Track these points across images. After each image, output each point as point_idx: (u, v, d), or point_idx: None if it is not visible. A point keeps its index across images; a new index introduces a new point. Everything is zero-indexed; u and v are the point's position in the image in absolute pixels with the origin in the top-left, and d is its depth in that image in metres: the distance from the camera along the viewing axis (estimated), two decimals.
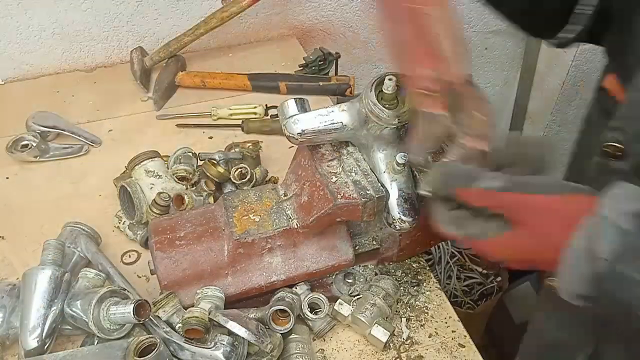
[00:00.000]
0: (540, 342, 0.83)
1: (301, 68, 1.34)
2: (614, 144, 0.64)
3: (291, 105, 0.74)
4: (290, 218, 0.78)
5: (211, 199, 0.93)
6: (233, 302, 0.77)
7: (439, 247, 1.78)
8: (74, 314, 0.74)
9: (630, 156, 0.62)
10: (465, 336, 0.81)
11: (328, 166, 0.76)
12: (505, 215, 0.56)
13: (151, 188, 0.91)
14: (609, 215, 0.48)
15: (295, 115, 0.73)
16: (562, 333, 0.77)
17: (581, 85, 1.81)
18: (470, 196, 0.58)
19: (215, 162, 0.97)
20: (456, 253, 1.83)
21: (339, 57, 1.38)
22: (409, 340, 0.80)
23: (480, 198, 0.57)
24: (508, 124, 2.08)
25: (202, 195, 0.92)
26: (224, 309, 0.74)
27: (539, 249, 0.55)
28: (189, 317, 0.70)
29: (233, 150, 1.03)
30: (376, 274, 0.85)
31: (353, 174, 0.75)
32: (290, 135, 0.73)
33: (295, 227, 0.77)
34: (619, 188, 0.51)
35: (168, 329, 0.71)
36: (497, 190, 0.56)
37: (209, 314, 0.70)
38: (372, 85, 0.70)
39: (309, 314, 0.78)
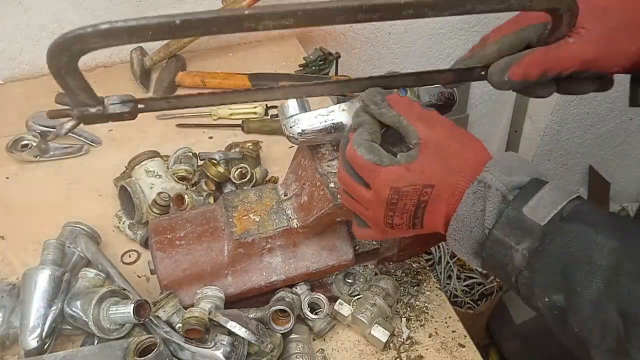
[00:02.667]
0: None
1: (301, 68, 1.34)
2: None
3: (291, 105, 0.74)
4: (291, 218, 0.78)
5: (211, 199, 0.93)
6: (233, 302, 0.77)
7: (439, 247, 1.78)
8: (73, 313, 0.74)
9: None
10: (465, 336, 0.81)
11: (328, 166, 0.76)
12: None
13: (151, 188, 0.91)
14: (500, 187, 0.53)
15: (296, 115, 0.73)
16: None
17: None
18: (347, 148, 0.61)
19: (215, 162, 0.97)
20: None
21: (339, 57, 1.38)
22: (409, 340, 0.80)
23: (349, 153, 0.60)
24: (508, 124, 2.08)
25: (202, 195, 0.92)
26: (224, 308, 0.74)
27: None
28: (189, 317, 0.70)
29: (233, 150, 1.03)
30: (376, 274, 0.85)
31: None
32: (291, 135, 0.73)
33: (296, 227, 0.77)
34: (503, 158, 0.56)
35: (168, 328, 0.71)
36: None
37: (209, 314, 0.70)
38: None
39: (309, 314, 0.78)
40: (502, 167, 0.55)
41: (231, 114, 1.20)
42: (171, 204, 0.88)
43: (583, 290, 0.48)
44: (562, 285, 0.49)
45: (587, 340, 0.49)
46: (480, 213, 0.54)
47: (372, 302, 0.78)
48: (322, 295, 0.80)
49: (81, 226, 0.87)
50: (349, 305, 0.79)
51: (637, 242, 0.49)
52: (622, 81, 0.75)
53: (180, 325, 0.72)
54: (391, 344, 0.80)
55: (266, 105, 1.22)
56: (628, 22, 0.62)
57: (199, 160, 1.01)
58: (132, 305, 0.70)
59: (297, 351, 0.75)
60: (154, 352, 0.66)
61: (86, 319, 0.72)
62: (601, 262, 0.48)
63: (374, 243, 0.84)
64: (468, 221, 0.55)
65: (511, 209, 0.52)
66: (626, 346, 0.46)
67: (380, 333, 0.77)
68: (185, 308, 0.73)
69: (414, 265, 0.89)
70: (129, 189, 0.90)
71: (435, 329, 0.82)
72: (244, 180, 0.95)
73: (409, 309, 0.84)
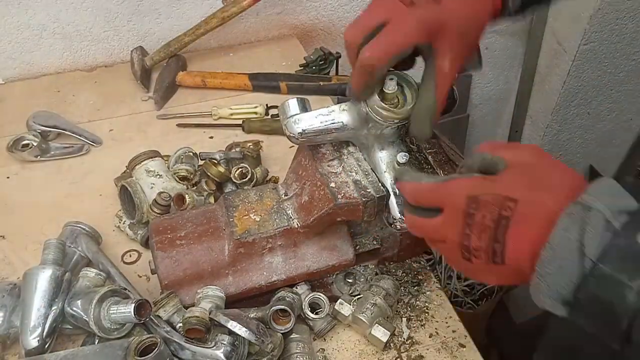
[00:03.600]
0: (556, 347, 0.82)
1: (302, 68, 1.34)
2: None
3: (292, 105, 0.74)
4: (291, 218, 0.78)
5: (212, 199, 0.93)
6: (234, 302, 0.77)
7: None
8: (74, 313, 0.74)
9: None
10: (466, 336, 0.81)
11: (329, 166, 0.76)
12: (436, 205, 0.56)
13: (152, 188, 0.91)
14: (602, 209, 0.45)
15: (296, 115, 0.73)
16: (581, 339, 0.74)
17: (582, 85, 1.81)
18: (401, 189, 0.59)
19: (215, 161, 0.97)
20: None
21: (340, 56, 1.38)
22: (410, 340, 0.80)
23: (408, 195, 0.58)
24: (509, 124, 2.08)
25: (202, 195, 0.92)
26: (225, 308, 0.74)
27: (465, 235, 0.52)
28: (189, 317, 0.70)
29: (234, 150, 1.03)
30: (377, 274, 0.85)
31: (354, 173, 0.75)
32: (291, 135, 0.73)
33: (296, 226, 0.77)
34: (604, 183, 0.48)
35: (168, 328, 0.71)
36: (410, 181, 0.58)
37: (210, 314, 0.70)
38: None
39: (309, 313, 0.78)
40: (603, 189, 0.47)
41: (232, 114, 1.20)
42: (172, 204, 0.88)
43: None
44: None
45: None
46: (577, 242, 0.45)
47: (372, 302, 0.78)
48: (323, 295, 0.80)
49: (82, 226, 0.88)
50: (350, 305, 0.79)
51: None
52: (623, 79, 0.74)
53: (180, 324, 0.72)
54: (391, 344, 0.80)
55: (267, 105, 1.22)
56: None
57: (199, 160, 1.01)
58: (133, 305, 0.70)
59: (297, 351, 0.75)
60: (154, 351, 0.66)
61: (87, 319, 0.72)
62: None
63: (375, 243, 0.84)
64: (560, 251, 0.46)
65: (623, 237, 0.43)
66: None
67: (380, 333, 0.77)
68: (186, 308, 0.73)
69: (414, 265, 0.89)
70: (129, 188, 0.90)
71: (436, 328, 0.82)
72: (244, 180, 0.95)
73: (409, 309, 0.84)
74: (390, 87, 0.69)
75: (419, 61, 0.70)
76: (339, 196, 0.72)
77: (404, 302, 0.85)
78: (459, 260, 0.54)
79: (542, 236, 0.47)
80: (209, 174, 0.94)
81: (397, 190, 0.62)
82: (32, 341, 0.73)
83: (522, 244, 0.49)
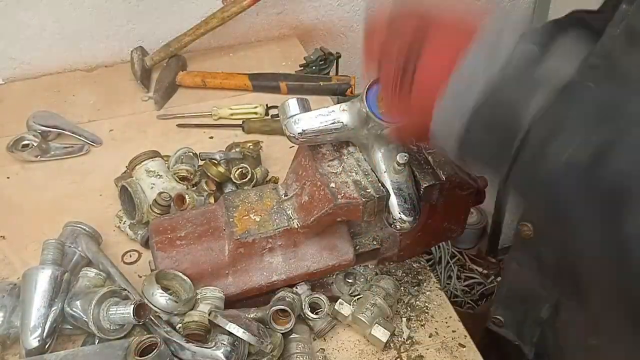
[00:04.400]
0: (510, 291, 0.83)
1: (302, 68, 1.34)
2: None
3: (292, 105, 0.74)
4: (291, 218, 0.78)
5: (212, 199, 0.93)
6: (234, 302, 0.77)
7: (439, 247, 1.78)
8: (74, 313, 0.74)
9: None
10: (466, 336, 0.81)
11: (329, 166, 0.76)
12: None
13: (152, 188, 0.91)
14: (507, 23, 0.47)
15: (296, 115, 0.73)
16: (531, 284, 0.77)
17: None
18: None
19: (216, 162, 0.97)
20: (457, 253, 1.84)
21: (340, 56, 1.38)
22: (410, 340, 0.80)
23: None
24: None
25: (202, 195, 0.92)
26: (225, 308, 0.74)
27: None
28: (188, 322, 0.71)
29: (234, 150, 1.03)
30: (377, 274, 0.85)
31: (354, 173, 0.75)
32: (291, 135, 0.73)
33: (296, 227, 0.77)
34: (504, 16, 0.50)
35: (168, 328, 0.71)
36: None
37: (209, 315, 0.70)
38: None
39: (309, 313, 0.78)
40: (505, 17, 0.49)
41: (232, 114, 1.20)
42: (172, 204, 0.88)
43: (635, 128, 0.41)
44: (607, 121, 0.42)
45: (625, 191, 0.40)
46: (492, 51, 0.46)
47: (372, 302, 0.78)
48: (323, 295, 0.80)
49: (82, 226, 0.88)
50: (350, 305, 0.79)
51: None
52: None
53: (180, 325, 0.72)
54: (391, 344, 0.80)
55: (267, 105, 1.22)
56: None
57: (199, 160, 1.01)
58: (132, 305, 0.70)
59: (297, 351, 0.75)
60: (154, 351, 0.66)
61: (86, 319, 0.72)
62: None
63: (375, 243, 0.85)
64: (475, 60, 0.47)
65: (522, 44, 0.46)
66: None
67: (380, 333, 0.77)
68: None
69: (414, 265, 0.89)
70: (129, 188, 0.90)
71: (436, 328, 0.82)
72: (244, 180, 0.95)
73: (409, 309, 0.84)
74: None
75: None
76: (339, 196, 0.72)
77: (404, 302, 0.85)
78: (373, 64, 0.55)
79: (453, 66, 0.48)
80: (209, 174, 0.94)
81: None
82: (33, 341, 0.73)
83: (434, 68, 0.49)
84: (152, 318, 0.71)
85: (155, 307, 0.71)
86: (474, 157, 0.50)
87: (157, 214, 0.87)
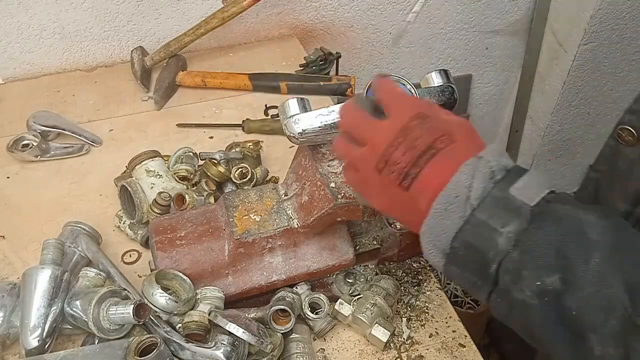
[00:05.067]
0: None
1: (302, 68, 1.34)
2: (628, 127, 0.62)
3: (292, 105, 0.74)
4: (291, 218, 0.78)
5: (212, 199, 0.93)
6: (234, 302, 0.77)
7: None
8: (74, 313, 0.74)
9: None
10: (466, 336, 0.81)
11: (329, 166, 0.76)
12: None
13: (152, 188, 0.91)
14: (491, 160, 0.49)
15: (296, 115, 0.73)
16: None
17: (582, 85, 1.81)
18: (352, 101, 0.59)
19: (216, 161, 0.97)
20: None
21: (340, 56, 1.38)
22: (410, 340, 0.80)
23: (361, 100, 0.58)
24: (509, 124, 2.08)
25: (202, 195, 0.92)
26: (225, 308, 0.74)
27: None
28: (188, 322, 0.70)
29: (234, 150, 1.03)
30: (377, 274, 0.85)
31: None
32: (291, 135, 0.73)
33: (296, 226, 0.77)
34: (495, 145, 0.52)
35: (168, 328, 0.71)
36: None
37: (209, 315, 0.70)
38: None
39: (309, 313, 0.78)
40: (494, 148, 0.52)
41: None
42: (172, 204, 0.88)
43: (583, 266, 0.44)
44: (558, 264, 0.45)
45: (586, 324, 0.44)
46: (466, 189, 0.49)
47: (372, 302, 0.78)
48: (323, 295, 0.80)
49: (82, 226, 0.87)
50: (350, 305, 0.79)
51: (623, 222, 0.48)
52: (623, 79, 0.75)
53: (180, 325, 0.72)
54: (391, 344, 0.80)
55: (266, 105, 1.22)
56: None
57: (199, 160, 1.01)
58: (132, 306, 0.70)
59: (297, 351, 0.75)
60: (154, 351, 0.66)
61: (86, 319, 0.72)
62: (597, 238, 0.45)
63: (375, 243, 0.85)
64: (451, 196, 0.49)
65: (498, 189, 0.48)
66: (635, 321, 0.43)
67: (380, 333, 0.77)
68: None
69: (414, 265, 0.89)
70: (129, 188, 0.90)
71: (436, 328, 0.82)
72: (244, 180, 0.95)
73: (409, 309, 0.84)
74: None
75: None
76: (339, 196, 0.72)
77: (404, 302, 0.85)
78: (368, 168, 0.55)
79: (448, 179, 0.49)
80: (209, 174, 0.94)
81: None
82: (32, 341, 0.72)
83: (433, 178, 0.50)
84: (152, 318, 0.71)
85: (155, 307, 0.71)
86: (457, 278, 0.52)
87: (157, 213, 0.87)
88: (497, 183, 0.48)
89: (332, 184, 0.74)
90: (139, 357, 0.66)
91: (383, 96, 0.57)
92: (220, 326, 0.70)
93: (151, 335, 0.69)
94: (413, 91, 0.70)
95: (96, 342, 0.74)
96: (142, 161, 0.92)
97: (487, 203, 0.48)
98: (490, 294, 0.49)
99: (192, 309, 0.73)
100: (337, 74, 1.39)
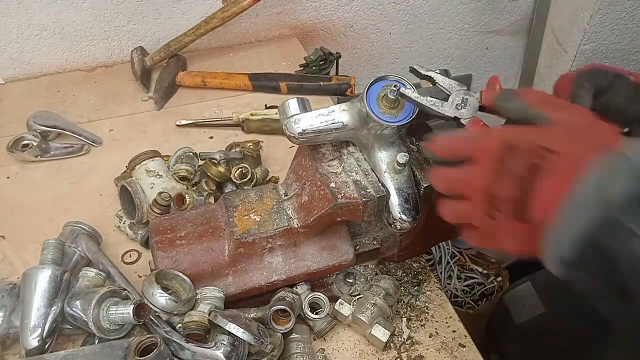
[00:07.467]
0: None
1: (302, 68, 1.34)
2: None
3: (292, 105, 0.74)
4: (291, 218, 0.78)
5: (212, 199, 0.93)
6: (234, 302, 0.77)
7: (439, 247, 1.78)
8: (74, 313, 0.74)
9: None
10: (466, 336, 0.81)
11: (329, 166, 0.76)
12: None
13: (152, 188, 0.91)
14: (633, 157, 0.42)
15: (296, 115, 0.73)
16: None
17: None
18: (433, 147, 0.56)
19: (215, 161, 0.97)
20: (457, 253, 1.83)
21: (340, 57, 1.38)
22: (410, 340, 0.80)
23: (439, 148, 0.56)
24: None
25: (202, 195, 0.92)
26: (225, 308, 0.74)
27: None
28: (188, 322, 0.70)
29: (234, 150, 1.03)
30: (377, 274, 0.85)
31: (354, 173, 0.75)
32: (291, 135, 0.73)
33: (296, 226, 0.77)
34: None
35: (168, 328, 0.71)
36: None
37: (209, 315, 0.70)
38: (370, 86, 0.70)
39: (309, 313, 0.78)
40: (637, 142, 0.44)
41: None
42: (172, 204, 0.88)
43: None
44: None
45: None
46: (601, 191, 0.42)
47: (372, 302, 0.78)
48: (323, 295, 0.80)
49: (82, 226, 0.88)
50: (350, 305, 0.79)
51: None
52: None
53: (180, 325, 0.72)
54: (391, 344, 0.80)
55: (266, 105, 1.22)
56: None
57: (199, 160, 1.01)
58: (132, 306, 0.70)
59: (297, 351, 0.75)
60: (154, 351, 0.66)
61: (86, 319, 0.72)
62: None
63: (375, 243, 0.84)
64: (581, 200, 0.42)
65: None
66: None
67: (380, 333, 0.77)
68: None
69: (414, 265, 0.89)
70: (129, 188, 0.90)
71: (436, 328, 0.82)
72: (244, 180, 0.95)
73: (409, 309, 0.84)
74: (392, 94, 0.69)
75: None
76: (339, 196, 0.72)
77: (404, 302, 0.85)
78: (480, 217, 0.51)
79: (569, 188, 0.44)
80: (209, 174, 0.94)
81: (426, 152, 0.58)
82: (32, 341, 0.72)
83: (549, 195, 0.45)
84: (152, 318, 0.71)
85: (155, 307, 0.71)
86: (581, 288, 0.46)
87: (157, 213, 0.87)
88: None
89: (332, 184, 0.74)
90: (139, 357, 0.66)
91: (463, 144, 0.53)
92: (220, 326, 0.70)
93: (151, 335, 0.69)
94: (413, 90, 0.70)
95: (96, 342, 0.74)
96: (142, 161, 0.92)
97: (634, 205, 0.41)
98: (618, 307, 0.44)
99: (192, 309, 0.73)
100: (337, 74, 1.39)
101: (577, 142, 0.46)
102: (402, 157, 0.71)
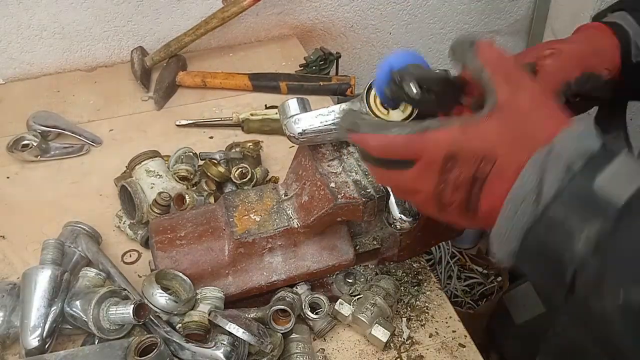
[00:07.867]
0: (560, 347, 0.81)
1: (302, 68, 1.34)
2: None
3: (292, 105, 0.74)
4: (291, 218, 0.78)
5: (212, 199, 0.93)
6: (234, 302, 0.77)
7: (439, 247, 1.78)
8: (74, 313, 0.74)
9: None
10: (466, 336, 0.81)
11: (329, 166, 0.76)
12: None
13: (152, 188, 0.91)
14: (562, 153, 0.44)
15: (296, 115, 0.73)
16: (581, 340, 0.74)
17: None
18: (369, 148, 0.54)
19: (215, 161, 0.97)
20: (457, 253, 1.84)
21: (340, 57, 1.38)
22: (410, 340, 0.80)
23: (374, 150, 0.54)
24: None
25: (202, 195, 0.92)
26: (225, 308, 0.74)
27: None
28: (188, 322, 0.70)
29: (234, 150, 1.03)
30: (377, 274, 0.85)
31: (354, 173, 0.75)
32: (291, 135, 0.73)
33: (296, 226, 0.77)
34: (576, 126, 0.46)
35: (168, 328, 0.71)
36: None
37: (209, 315, 0.70)
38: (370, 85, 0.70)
39: (309, 313, 0.78)
40: (572, 133, 0.45)
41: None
42: (172, 204, 0.88)
43: None
44: None
45: None
46: (535, 188, 0.44)
47: (372, 302, 0.78)
48: (323, 295, 0.80)
49: (82, 226, 0.88)
50: (350, 305, 0.79)
51: None
52: None
53: (180, 325, 0.72)
54: (391, 344, 0.80)
55: (265, 105, 1.22)
56: None
57: (199, 160, 1.01)
58: (132, 306, 0.70)
59: (297, 351, 0.75)
60: (154, 351, 0.66)
61: (86, 319, 0.72)
62: None
63: (375, 243, 0.84)
64: (516, 199, 0.44)
65: (578, 181, 0.42)
66: None
67: (380, 333, 0.77)
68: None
69: (414, 265, 0.89)
70: (129, 188, 0.90)
71: (436, 329, 0.82)
72: (244, 180, 0.95)
73: (409, 309, 0.84)
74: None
75: None
76: (339, 196, 0.72)
77: (404, 302, 0.85)
78: (432, 209, 0.53)
79: (508, 193, 0.46)
80: (209, 174, 0.94)
81: (351, 142, 0.58)
82: (32, 341, 0.72)
83: (494, 198, 0.47)
84: (152, 318, 0.71)
85: (155, 307, 0.71)
86: (529, 277, 0.49)
87: (157, 213, 0.87)
88: (575, 175, 0.42)
89: (332, 184, 0.74)
90: (139, 357, 0.66)
91: (402, 150, 0.52)
92: (220, 326, 0.70)
93: (151, 335, 0.69)
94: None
95: (96, 342, 0.74)
96: (142, 161, 0.92)
97: (563, 199, 0.42)
98: (567, 299, 0.45)
99: (192, 309, 0.73)
100: (337, 74, 1.39)
101: (516, 141, 0.47)
102: None
